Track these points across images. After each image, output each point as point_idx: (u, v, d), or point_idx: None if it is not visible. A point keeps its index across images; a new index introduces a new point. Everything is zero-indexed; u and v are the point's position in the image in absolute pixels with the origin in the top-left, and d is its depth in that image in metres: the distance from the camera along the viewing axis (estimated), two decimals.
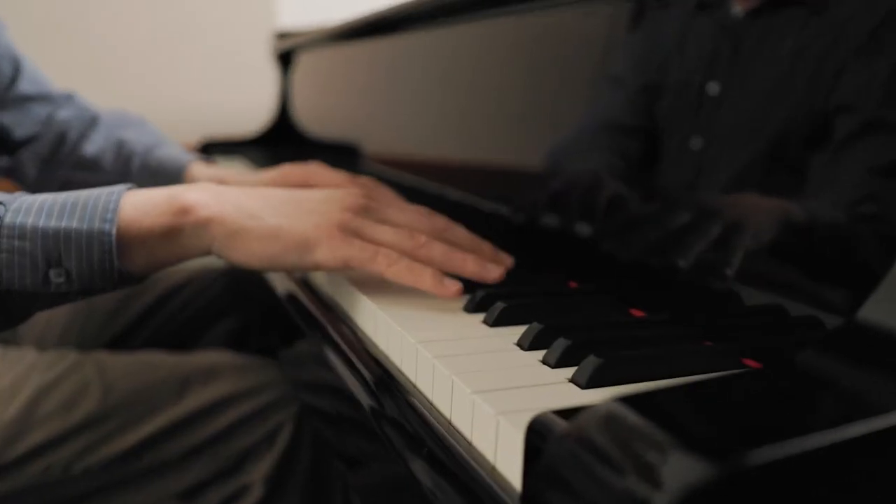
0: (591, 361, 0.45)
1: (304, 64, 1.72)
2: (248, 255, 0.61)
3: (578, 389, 0.44)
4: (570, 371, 0.46)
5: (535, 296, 0.62)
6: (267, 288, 0.92)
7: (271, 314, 1.20)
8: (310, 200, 0.64)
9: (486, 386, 0.44)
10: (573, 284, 0.68)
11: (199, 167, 1.09)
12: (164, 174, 1.08)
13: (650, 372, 0.46)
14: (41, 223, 0.58)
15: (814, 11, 0.56)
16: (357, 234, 0.62)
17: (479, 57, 1.01)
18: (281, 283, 0.84)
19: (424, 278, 0.59)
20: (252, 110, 1.96)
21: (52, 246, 0.58)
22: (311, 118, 1.69)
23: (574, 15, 0.81)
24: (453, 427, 0.45)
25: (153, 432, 0.83)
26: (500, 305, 0.56)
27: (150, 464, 0.83)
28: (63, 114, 1.13)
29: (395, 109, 1.26)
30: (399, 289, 0.64)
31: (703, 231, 0.61)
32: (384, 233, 0.62)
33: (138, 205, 0.61)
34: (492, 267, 0.62)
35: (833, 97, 0.53)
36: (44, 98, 1.13)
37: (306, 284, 0.78)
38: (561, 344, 0.48)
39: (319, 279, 0.75)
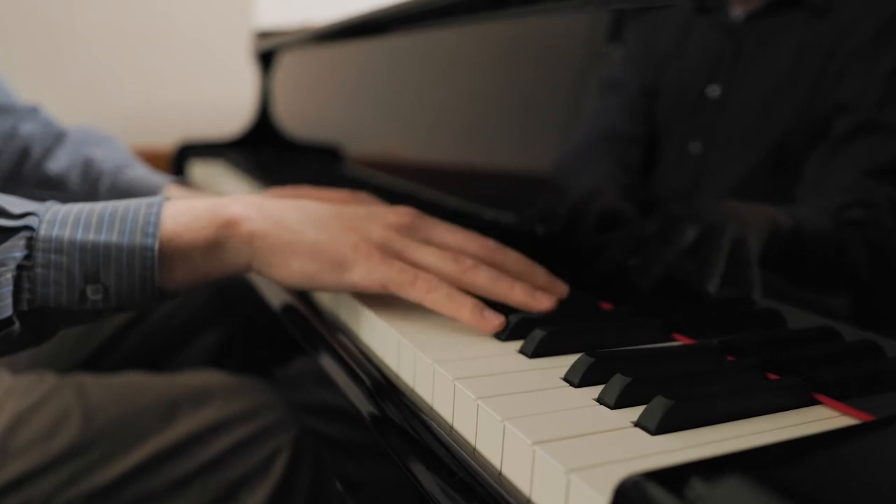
0: (661, 403, 0.40)
1: (286, 64, 1.66)
2: (287, 272, 0.58)
3: (647, 436, 0.39)
4: (632, 412, 0.42)
5: (571, 320, 0.57)
6: (255, 299, 0.86)
7: (259, 327, 1.14)
8: (352, 217, 0.60)
9: (545, 434, 0.38)
10: (605, 305, 0.63)
11: (174, 191, 1.03)
12: (135, 196, 1.02)
13: (723, 413, 0.41)
14: (79, 236, 0.54)
15: (815, 15, 0.55)
16: (398, 255, 0.58)
17: (466, 59, 0.98)
18: (276, 295, 0.78)
19: (464, 310, 0.55)
20: (231, 111, 1.89)
21: (91, 261, 0.54)
22: (293, 120, 1.63)
23: (565, 18, 0.79)
24: (504, 478, 0.40)
25: (139, 461, 0.77)
26: (538, 334, 0.51)
27: (137, 495, 0.77)
28: (26, 128, 1.06)
29: (379, 111, 1.23)
30: (418, 310, 0.59)
31: (729, 245, 0.57)
32: (427, 255, 0.58)
33: (179, 217, 0.57)
34: (541, 296, 0.57)
35: (841, 100, 0.52)
36: (7, 110, 1.06)
37: (304, 297, 0.72)
38: (620, 381, 0.43)
39: (325, 299, 0.69)
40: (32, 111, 1.08)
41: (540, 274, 0.62)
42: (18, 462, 0.74)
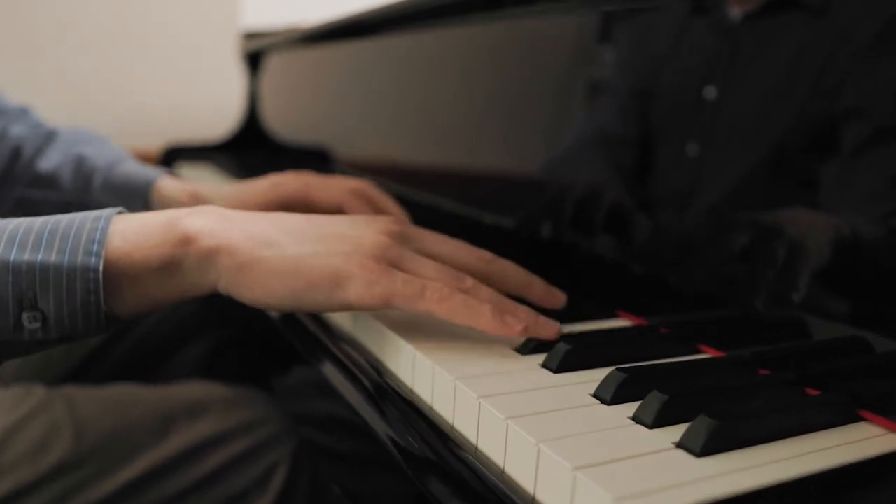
0: (705, 424, 0.37)
1: (274, 66, 1.63)
2: (264, 292, 0.51)
3: (692, 458, 0.37)
4: (671, 432, 0.39)
5: (594, 332, 0.54)
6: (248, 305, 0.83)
7: (253, 335, 1.11)
8: (335, 225, 0.55)
9: (585, 458, 0.36)
10: (621, 313, 0.61)
11: (168, 181, 0.99)
12: (130, 190, 0.98)
13: (768, 432, 0.39)
14: (12, 256, 0.47)
15: (813, 15, 0.54)
16: (396, 266, 0.52)
17: (458, 60, 0.96)
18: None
19: (483, 317, 0.50)
20: (219, 113, 1.86)
21: (26, 284, 0.47)
22: (282, 122, 1.61)
23: (559, 19, 0.77)
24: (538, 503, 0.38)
25: (133, 477, 0.74)
26: (563, 347, 0.48)
27: None
28: (16, 129, 1.02)
29: (369, 113, 1.21)
30: (428, 322, 0.57)
31: (761, 252, 0.55)
32: (426, 267, 0.53)
33: (128, 234, 0.51)
34: (547, 323, 0.52)
35: (840, 101, 0.51)
36: None
37: None
38: (657, 399, 0.40)
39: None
40: (22, 112, 1.05)
41: (537, 284, 0.58)
42: (7, 479, 0.70)
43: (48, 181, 0.99)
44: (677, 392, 0.41)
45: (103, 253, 0.48)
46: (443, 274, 0.52)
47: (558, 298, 0.59)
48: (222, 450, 0.77)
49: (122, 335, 1.05)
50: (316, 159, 1.38)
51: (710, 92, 0.60)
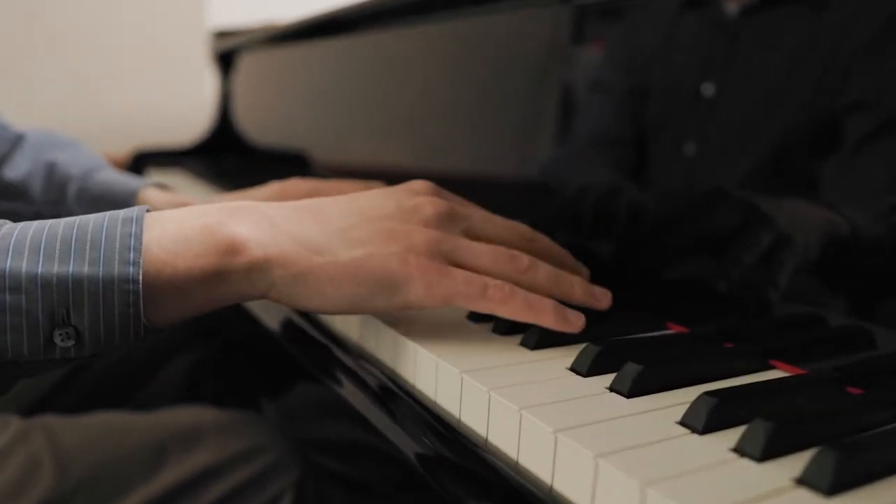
0: (831, 457, 0.33)
1: (247, 66, 1.57)
2: (321, 300, 0.49)
3: (820, 498, 0.32)
4: (783, 465, 0.35)
5: (656, 349, 0.50)
6: (236, 316, 0.77)
7: (242, 350, 1.05)
8: (382, 216, 0.51)
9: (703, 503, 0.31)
10: (671, 325, 0.56)
11: (154, 193, 0.92)
12: (109, 201, 0.91)
13: (892, 465, 0.35)
14: (40, 269, 0.42)
15: (813, 8, 0.53)
16: (450, 259, 0.50)
17: (443, 57, 0.93)
18: (269, 312, 0.70)
19: (546, 315, 0.49)
20: (189, 116, 1.78)
21: (57, 300, 0.42)
22: (256, 124, 1.55)
23: (550, 15, 0.75)
24: None
25: None
26: (633, 368, 0.43)
27: None
28: None
29: (348, 114, 1.17)
30: (447, 332, 0.53)
31: (802, 249, 0.52)
32: (480, 255, 0.50)
33: (166, 241, 0.46)
34: (600, 292, 0.53)
35: (840, 97, 0.50)
36: None
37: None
38: (762, 429, 0.36)
39: (337, 323, 0.61)
40: None
41: (569, 258, 0.58)
42: None
43: (17, 191, 0.92)
44: (783, 419, 0.36)
45: (141, 262, 0.44)
46: (499, 259, 0.51)
47: (585, 275, 0.58)
48: (221, 481, 0.72)
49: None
50: (293, 163, 1.33)
51: (708, 89, 0.59)
